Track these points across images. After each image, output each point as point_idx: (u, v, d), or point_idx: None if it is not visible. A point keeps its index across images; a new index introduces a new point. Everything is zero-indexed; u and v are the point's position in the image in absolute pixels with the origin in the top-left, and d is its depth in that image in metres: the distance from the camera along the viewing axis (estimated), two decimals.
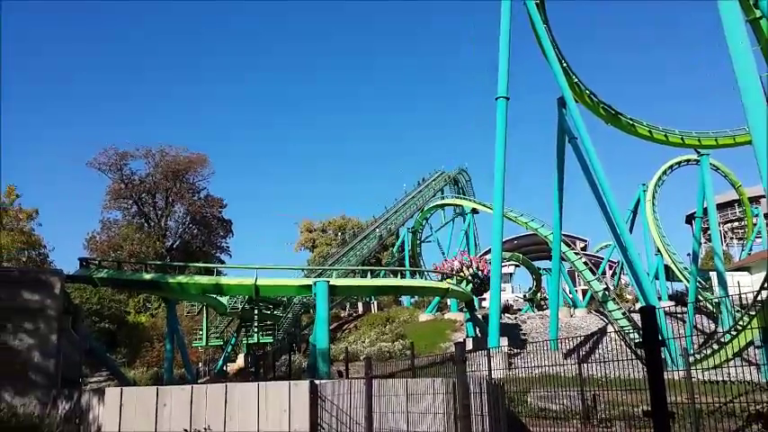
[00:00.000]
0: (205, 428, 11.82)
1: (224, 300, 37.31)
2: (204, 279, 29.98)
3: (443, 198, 62.31)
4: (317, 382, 13.13)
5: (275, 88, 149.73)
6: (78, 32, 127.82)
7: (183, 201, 63.83)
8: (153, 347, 45.42)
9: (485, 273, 35.55)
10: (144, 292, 47.68)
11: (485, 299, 51.61)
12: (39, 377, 13.65)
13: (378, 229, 55.87)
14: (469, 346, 31.18)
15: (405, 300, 57.96)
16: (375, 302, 58.84)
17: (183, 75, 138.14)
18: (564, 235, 38.10)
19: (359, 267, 44.70)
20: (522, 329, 41.65)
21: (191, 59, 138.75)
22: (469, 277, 34.12)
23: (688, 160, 46.92)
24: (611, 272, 62.50)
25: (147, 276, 29.53)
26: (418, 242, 62.64)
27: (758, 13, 19.23)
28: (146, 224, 63.24)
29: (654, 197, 49.63)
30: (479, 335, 35.39)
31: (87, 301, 43.02)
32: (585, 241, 76.47)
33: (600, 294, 36.28)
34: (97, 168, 61.85)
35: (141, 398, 12.53)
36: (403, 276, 42.17)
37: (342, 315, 57.97)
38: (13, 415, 12.19)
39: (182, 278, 29.36)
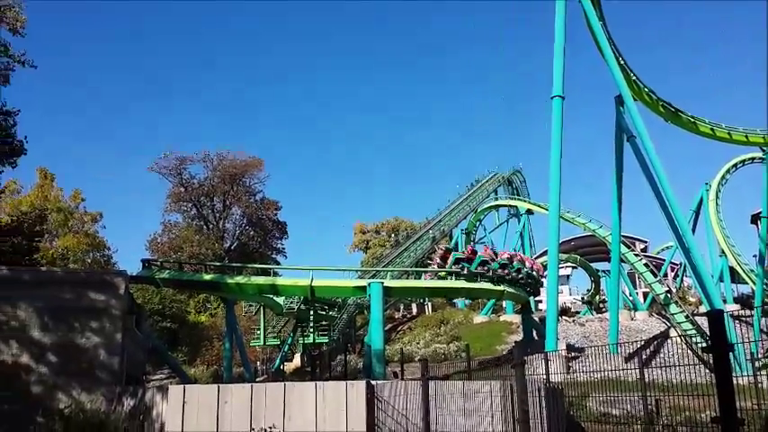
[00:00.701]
0: (270, 427, 12.00)
1: (280, 300, 37.84)
2: (261, 280, 30.47)
3: (497, 199, 61.68)
4: (373, 382, 13.17)
5: (327, 90, 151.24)
6: (144, 34, 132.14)
7: (240, 203, 65.18)
8: (212, 346, 46.42)
9: (540, 272, 34.79)
10: (204, 293, 48.80)
11: (541, 301, 50.90)
12: (104, 374, 14.09)
13: (431, 231, 55.69)
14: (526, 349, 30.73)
15: (459, 301, 57.58)
16: (429, 304, 58.64)
17: (238, 78, 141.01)
18: (623, 236, 37.13)
19: (412, 269, 44.59)
20: (580, 332, 40.76)
21: (249, 61, 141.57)
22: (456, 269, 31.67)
23: (753, 158, 45.32)
24: (672, 274, 60.65)
25: (207, 277, 30.20)
26: (472, 244, 62.13)
27: None
28: (204, 226, 64.83)
29: (717, 196, 47.96)
30: (536, 338, 34.85)
31: (150, 301, 44.36)
32: (646, 242, 74.48)
33: (662, 297, 35.26)
34: (158, 172, 63.85)
35: (203, 395, 12.82)
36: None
37: (396, 316, 58.05)
38: (81, 411, 12.63)
39: (239, 279, 29.90)
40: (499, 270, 30.36)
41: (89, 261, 45.70)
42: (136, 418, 12.80)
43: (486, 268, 29.83)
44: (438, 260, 31.25)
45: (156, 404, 13.11)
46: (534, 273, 33.18)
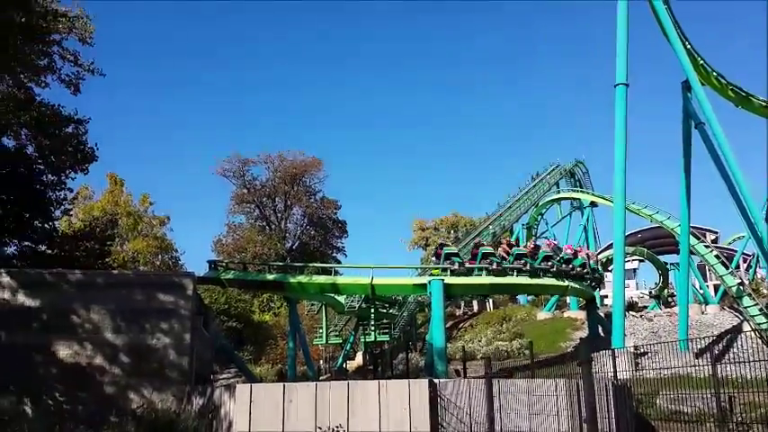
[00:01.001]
0: (337, 427, 12.15)
1: (341, 299, 38.24)
2: (322, 279, 30.84)
3: (559, 192, 60.40)
4: (436, 380, 13.13)
5: (384, 86, 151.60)
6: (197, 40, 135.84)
7: (301, 203, 66.27)
8: (276, 345, 47.30)
9: (602, 266, 33.76)
10: (267, 292, 49.77)
11: (606, 296, 49.66)
12: (174, 374, 14.53)
13: (491, 226, 55.06)
14: (592, 345, 30.04)
15: (521, 297, 56.76)
16: (490, 300, 58.04)
17: (296, 80, 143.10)
18: (692, 227, 35.80)
19: (474, 265, 44.21)
20: (648, 328, 39.55)
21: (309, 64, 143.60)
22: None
23: None
24: (745, 265, 57.99)
25: (270, 277, 30.78)
26: (534, 238, 61.11)
27: None
28: (267, 227, 66.20)
29: None
30: (602, 334, 34.01)
31: (216, 302, 45.51)
32: (716, 233, 71.56)
33: (734, 290, 33.92)
34: (222, 175, 65.61)
35: (269, 394, 13.05)
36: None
37: (457, 313, 57.73)
38: (153, 410, 13.07)
39: (301, 278, 30.36)
40: (563, 266, 29.72)
41: (158, 263, 47.37)
42: (205, 417, 13.15)
43: (549, 263, 29.23)
44: (502, 254, 30.67)
45: (224, 403, 13.44)
46: (599, 267, 32.30)
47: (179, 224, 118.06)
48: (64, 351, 14.38)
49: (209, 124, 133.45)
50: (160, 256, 48.53)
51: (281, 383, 14.60)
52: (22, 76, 20.88)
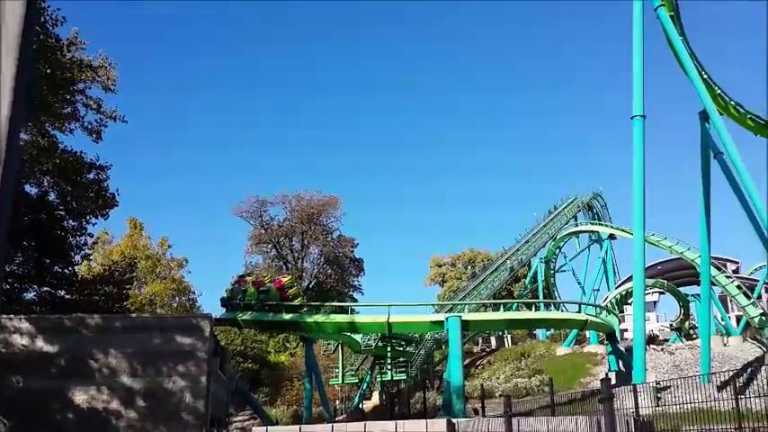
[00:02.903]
0: None
1: (358, 337, 38.04)
2: (339, 317, 30.78)
3: (577, 225, 60.13)
4: (453, 420, 13.00)
5: (397, 124, 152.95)
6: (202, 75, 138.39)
7: (318, 242, 66.45)
8: (292, 386, 46.96)
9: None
10: (284, 332, 49.69)
11: (627, 330, 48.94)
12: (190, 417, 14.52)
13: (508, 261, 54.78)
14: (613, 380, 29.53)
15: (540, 333, 56.06)
16: (508, 336, 57.40)
17: (315, 121, 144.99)
18: (713, 257, 35.39)
19: (490, 301, 43.94)
20: (670, 361, 38.83)
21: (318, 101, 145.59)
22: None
23: None
24: (767, 295, 57.10)
25: (287, 317, 30.78)
26: (552, 272, 60.65)
27: None
28: (284, 266, 66.33)
29: None
30: (623, 369, 33.44)
31: (232, 342, 45.51)
32: (737, 263, 70.57)
33: (756, 320, 33.40)
34: (240, 216, 66.18)
35: None
36: (537, 308, 41.01)
37: (474, 350, 57.05)
38: None
39: (318, 317, 30.36)
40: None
41: (175, 305, 47.56)
42: None
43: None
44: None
45: None
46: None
47: (197, 266, 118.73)
48: (80, 396, 14.44)
49: (228, 166, 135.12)
50: (177, 299, 48.75)
51: (297, 426, 14.51)
52: (46, 123, 21.46)
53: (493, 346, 56.74)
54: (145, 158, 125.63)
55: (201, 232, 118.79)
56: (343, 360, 43.30)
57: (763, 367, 30.62)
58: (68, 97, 21.32)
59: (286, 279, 33.60)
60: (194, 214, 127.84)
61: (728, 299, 43.58)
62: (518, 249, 56.28)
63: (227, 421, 21.16)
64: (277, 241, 66.97)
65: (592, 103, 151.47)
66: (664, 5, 29.45)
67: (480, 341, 59.86)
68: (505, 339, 57.27)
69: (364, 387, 44.77)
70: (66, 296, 23.22)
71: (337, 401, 48.69)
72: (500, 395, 30.68)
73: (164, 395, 14.62)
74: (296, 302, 31.06)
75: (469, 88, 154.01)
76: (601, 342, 41.29)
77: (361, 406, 42.91)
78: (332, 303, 41.43)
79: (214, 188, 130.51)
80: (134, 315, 23.42)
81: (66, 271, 23.57)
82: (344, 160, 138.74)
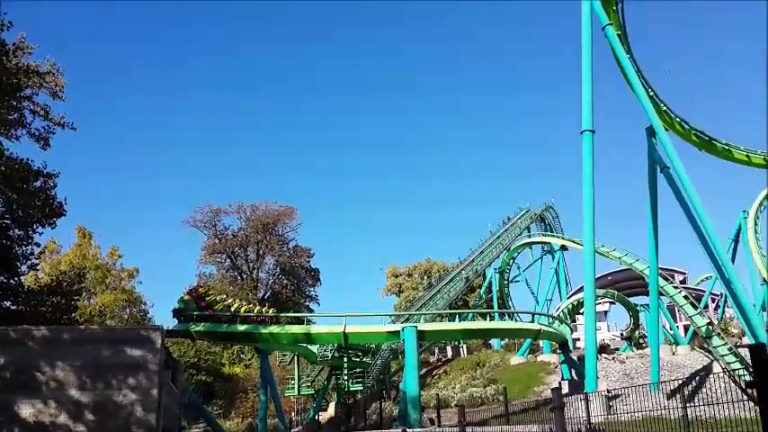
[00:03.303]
0: None
1: (314, 348, 37.77)
2: (295, 328, 30.52)
3: (530, 236, 61.22)
4: (408, 430, 13.02)
5: (355, 133, 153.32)
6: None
7: (273, 252, 65.79)
8: (247, 398, 46.35)
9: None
10: (238, 344, 49.00)
11: (579, 339, 49.87)
12: (141, 430, 14.16)
13: (464, 271, 55.32)
14: (565, 389, 30.07)
15: (495, 342, 56.71)
16: (464, 346, 57.90)
17: (270, 128, 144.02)
18: (661, 268, 36.39)
19: (446, 311, 44.24)
20: (621, 370, 39.72)
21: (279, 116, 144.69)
22: None
23: None
24: (714, 305, 59.10)
25: (242, 328, 30.34)
26: (506, 282, 61.55)
27: None
28: (239, 277, 65.46)
29: (756, 224, 47.00)
30: (575, 377, 34.06)
31: (185, 355, 44.68)
32: (684, 274, 72.94)
33: (703, 330, 34.35)
34: (193, 225, 65.00)
35: None
36: (492, 318, 41.43)
37: (431, 360, 57.32)
38: None
39: (274, 328, 30.00)
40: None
41: (126, 317, 46.38)
42: None
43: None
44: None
45: None
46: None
47: (149, 276, 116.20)
48: (27, 410, 13.96)
49: (181, 176, 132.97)
50: (128, 310, 47.55)
51: None
52: None
53: (449, 356, 57.11)
54: (93, 165, 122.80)
55: (153, 243, 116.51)
56: (299, 371, 42.91)
57: (711, 375, 31.58)
58: (15, 104, 20.71)
59: (202, 289, 33.08)
60: (146, 223, 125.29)
61: (676, 309, 44.82)
62: (473, 260, 56.94)
63: None
64: (232, 251, 66.03)
65: (545, 115, 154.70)
66: (611, 24, 30.20)
67: (437, 351, 60.18)
68: (461, 349, 57.71)
69: (320, 398, 44.45)
70: (12, 307, 22.42)
71: (293, 413, 48.22)
72: (455, 405, 30.85)
73: (113, 408, 14.23)
74: (217, 308, 30.27)
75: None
76: (554, 351, 41.95)
77: (317, 417, 42.55)
78: (288, 314, 41.08)
79: (168, 196, 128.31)
80: (83, 327, 22.69)
81: (11, 281, 22.77)
82: (294, 164, 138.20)
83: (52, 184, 22.91)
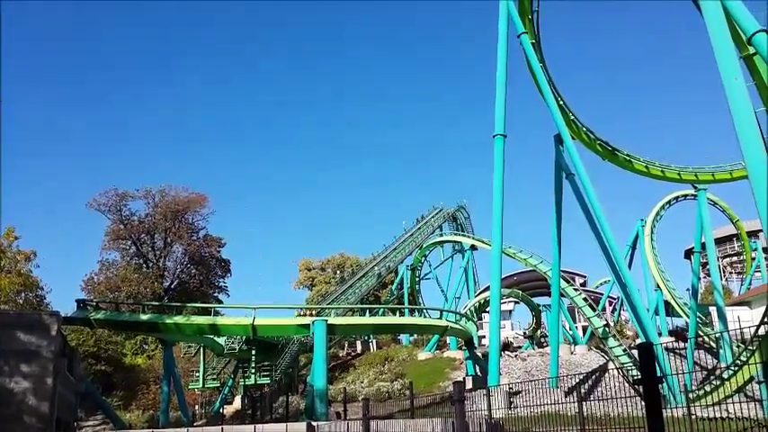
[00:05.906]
0: None
1: (221, 340, 37.00)
2: (201, 319, 29.79)
3: (442, 235, 62.50)
4: (314, 423, 13.02)
5: (273, 126, 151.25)
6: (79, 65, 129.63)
7: (182, 241, 63.67)
8: (149, 390, 44.82)
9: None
10: (141, 334, 47.32)
11: (484, 336, 51.38)
12: (33, 420, 13.46)
13: (377, 267, 55.77)
14: (469, 384, 30.87)
15: (404, 338, 57.52)
16: (374, 341, 58.39)
17: (182, 111, 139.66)
18: (563, 271, 38.02)
19: (357, 306, 44.45)
20: (522, 367, 41.25)
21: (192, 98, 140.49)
22: None
23: (686, 195, 47.21)
24: (611, 308, 62.21)
25: (144, 317, 29.35)
26: (417, 279, 62.57)
27: (752, 50, 19.38)
28: (144, 265, 63.02)
29: (652, 232, 49.78)
30: (479, 373, 35.05)
31: (84, 344, 42.67)
32: (584, 277, 76.33)
33: (600, 331, 36.14)
34: (97, 209, 61.84)
35: None
36: (402, 314, 41.99)
37: (340, 354, 57.43)
38: None
39: (179, 319, 29.17)
40: None
41: (21, 302, 43.70)
42: None
43: None
44: None
45: None
46: None
47: (47, 261, 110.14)
48: None
49: (86, 155, 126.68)
50: (24, 294, 44.78)
51: (150, 430, 13.89)
52: None
53: (359, 351, 57.43)
54: None
55: (54, 226, 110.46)
56: (204, 363, 41.88)
57: (606, 374, 33.40)
58: None
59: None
60: (46, 206, 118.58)
61: (576, 310, 46.88)
62: (386, 256, 57.53)
63: (76, 425, 19.80)
64: (137, 237, 63.34)
65: (465, 119, 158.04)
66: (526, 33, 31.16)
67: (346, 345, 60.36)
68: (371, 344, 58.18)
69: (226, 391, 43.61)
70: None
71: (197, 406, 47.07)
72: (363, 399, 31.04)
73: (5, 396, 13.41)
74: None
75: (343, 99, 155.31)
76: (460, 348, 42.97)
77: (222, 411, 41.71)
78: (194, 304, 40.01)
79: (70, 179, 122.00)
80: None
81: None
82: (216, 160, 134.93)
83: None
